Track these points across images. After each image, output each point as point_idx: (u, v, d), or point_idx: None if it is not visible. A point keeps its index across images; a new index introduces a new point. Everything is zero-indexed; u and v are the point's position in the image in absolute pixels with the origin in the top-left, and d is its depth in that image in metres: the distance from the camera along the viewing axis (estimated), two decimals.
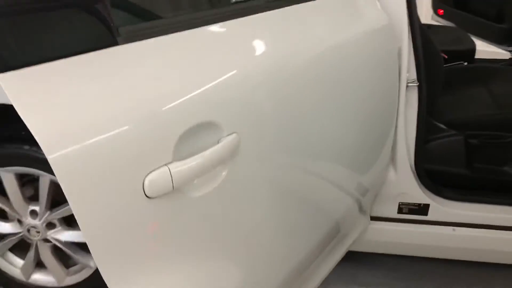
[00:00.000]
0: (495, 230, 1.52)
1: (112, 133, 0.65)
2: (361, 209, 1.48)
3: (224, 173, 0.82)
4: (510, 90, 1.84)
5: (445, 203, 1.54)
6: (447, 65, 2.14)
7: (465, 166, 1.59)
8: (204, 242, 0.83)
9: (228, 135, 0.80)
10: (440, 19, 2.64)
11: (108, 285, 0.70)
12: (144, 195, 0.69)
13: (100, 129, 0.64)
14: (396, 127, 1.43)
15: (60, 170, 0.61)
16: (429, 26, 2.45)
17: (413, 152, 1.49)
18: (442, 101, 1.77)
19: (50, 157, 0.59)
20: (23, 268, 1.14)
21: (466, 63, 2.25)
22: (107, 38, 0.68)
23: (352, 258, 1.57)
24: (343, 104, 1.16)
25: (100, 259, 0.69)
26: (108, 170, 0.65)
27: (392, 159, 1.49)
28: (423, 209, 1.54)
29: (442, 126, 1.61)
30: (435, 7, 2.67)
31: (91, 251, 0.67)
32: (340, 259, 1.46)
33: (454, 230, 1.54)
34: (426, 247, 1.61)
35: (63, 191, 0.62)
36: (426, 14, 2.74)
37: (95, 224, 0.66)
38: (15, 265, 1.16)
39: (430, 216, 1.54)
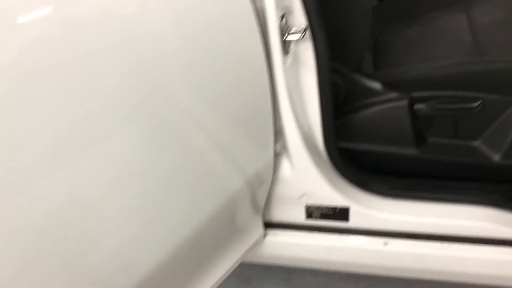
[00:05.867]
0: (450, 243, 1.02)
1: None
2: (253, 202, 1.02)
3: None
4: (499, 19, 1.19)
5: (374, 203, 1.03)
6: None
7: (407, 144, 1.06)
8: None
9: None
10: None
11: None
12: None
13: None
14: (277, 103, 0.91)
15: None
16: None
17: (319, 133, 0.97)
18: (386, 43, 1.20)
19: None
20: None
21: None
22: None
23: None
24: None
25: None
26: None
27: (284, 147, 0.99)
28: (340, 213, 1.05)
29: (376, 86, 1.07)
30: None
31: None
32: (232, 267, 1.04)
33: (386, 244, 1.05)
34: (346, 264, 1.13)
35: None
36: None
37: None
38: None
39: (352, 223, 1.05)
